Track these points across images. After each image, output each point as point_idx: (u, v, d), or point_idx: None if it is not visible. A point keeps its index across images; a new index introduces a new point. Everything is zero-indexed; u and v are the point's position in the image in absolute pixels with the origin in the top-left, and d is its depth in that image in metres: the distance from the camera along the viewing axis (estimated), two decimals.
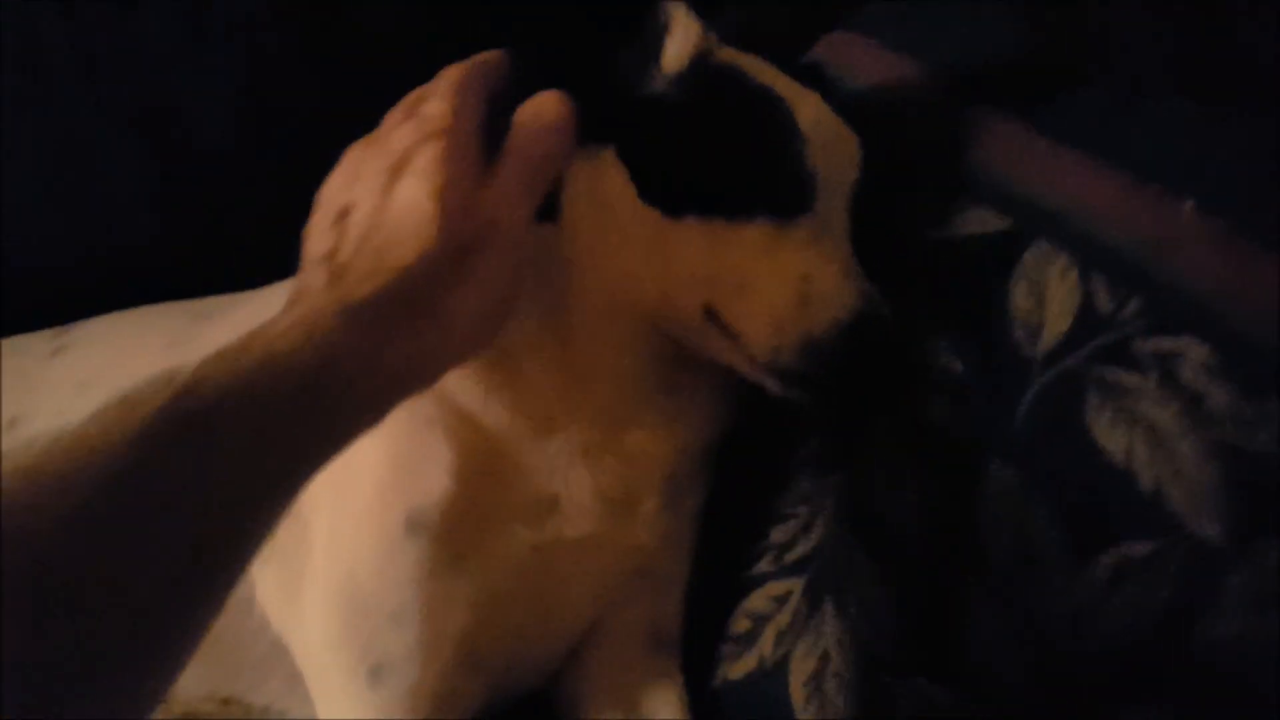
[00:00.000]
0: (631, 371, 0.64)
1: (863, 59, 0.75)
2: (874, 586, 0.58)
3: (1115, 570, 0.49)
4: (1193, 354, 0.49)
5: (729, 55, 0.64)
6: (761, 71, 0.64)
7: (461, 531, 0.59)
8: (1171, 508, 0.48)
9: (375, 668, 0.58)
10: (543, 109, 0.55)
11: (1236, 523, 0.46)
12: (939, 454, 0.57)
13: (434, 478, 0.59)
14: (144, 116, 0.86)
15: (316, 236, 0.53)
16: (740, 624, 0.65)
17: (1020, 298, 0.56)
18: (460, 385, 0.61)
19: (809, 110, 0.63)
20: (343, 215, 0.52)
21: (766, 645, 0.63)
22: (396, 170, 0.51)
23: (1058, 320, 0.54)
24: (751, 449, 0.70)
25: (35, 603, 0.32)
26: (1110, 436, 0.50)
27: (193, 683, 0.66)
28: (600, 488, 0.62)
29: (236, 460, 0.39)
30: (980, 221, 0.60)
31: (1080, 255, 0.54)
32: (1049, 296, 0.54)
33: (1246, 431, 0.46)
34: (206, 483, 0.38)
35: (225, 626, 0.60)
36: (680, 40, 0.62)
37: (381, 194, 0.51)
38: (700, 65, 0.63)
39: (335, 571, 0.60)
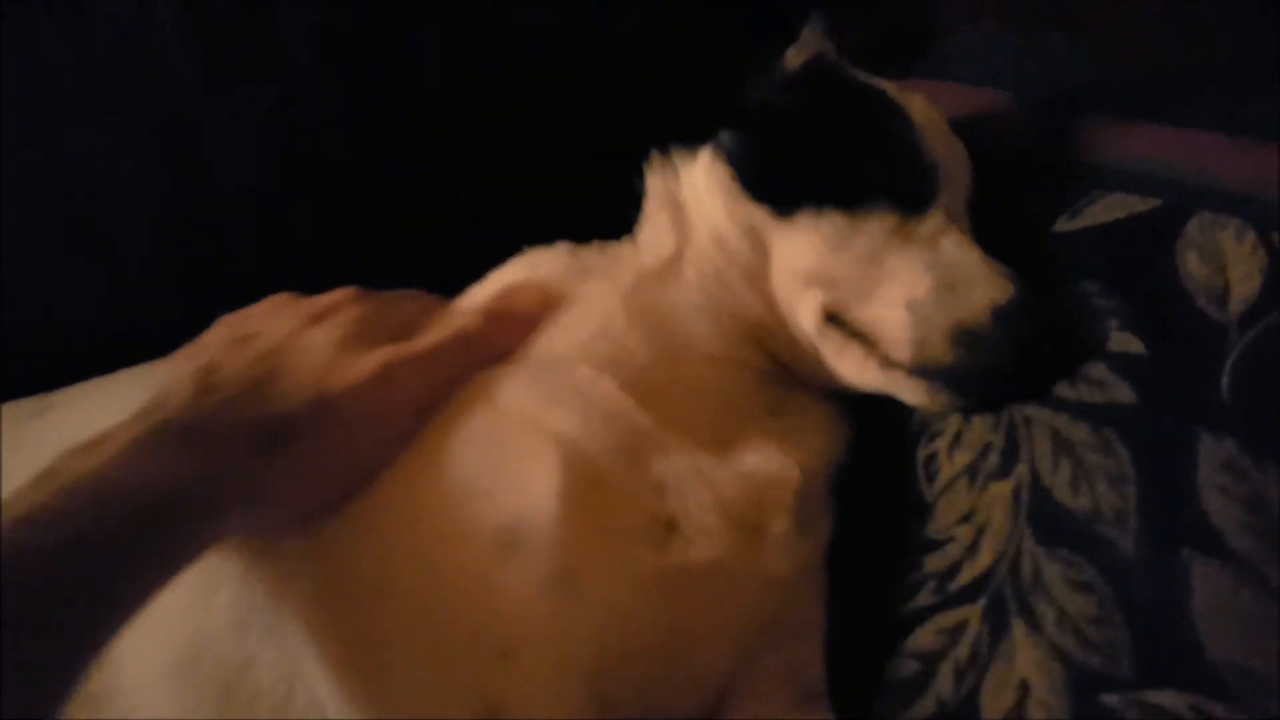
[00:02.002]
0: (732, 391, 0.60)
1: (946, 98, 0.75)
2: (1075, 594, 0.51)
3: None
4: None
5: (841, 64, 0.64)
6: (869, 76, 0.64)
7: (570, 551, 0.51)
8: None
9: (490, 710, 0.48)
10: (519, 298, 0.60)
11: None
12: (1133, 437, 0.52)
13: (529, 490, 0.52)
14: (162, 147, 0.80)
15: (203, 350, 0.55)
16: (905, 668, 0.56)
17: (1193, 266, 0.53)
18: (522, 397, 0.56)
19: (920, 106, 0.62)
20: (243, 341, 0.55)
21: (945, 685, 0.54)
22: (315, 320, 0.56)
23: (1244, 281, 0.51)
24: (872, 480, 0.64)
25: None
26: None
27: None
28: (724, 508, 0.55)
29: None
30: (1121, 206, 0.58)
31: (1255, 218, 0.52)
32: (1228, 260, 0.52)
33: None
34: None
35: (258, 713, 0.53)
36: (802, 46, 0.62)
37: (291, 335, 0.54)
38: (814, 66, 0.62)
39: (425, 609, 0.51)
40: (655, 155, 0.65)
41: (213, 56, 0.78)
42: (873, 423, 0.65)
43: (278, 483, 0.50)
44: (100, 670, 0.52)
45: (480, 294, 0.63)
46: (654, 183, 0.65)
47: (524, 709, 0.48)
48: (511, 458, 0.54)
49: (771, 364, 0.62)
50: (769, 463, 0.58)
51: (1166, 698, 0.47)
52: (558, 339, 0.59)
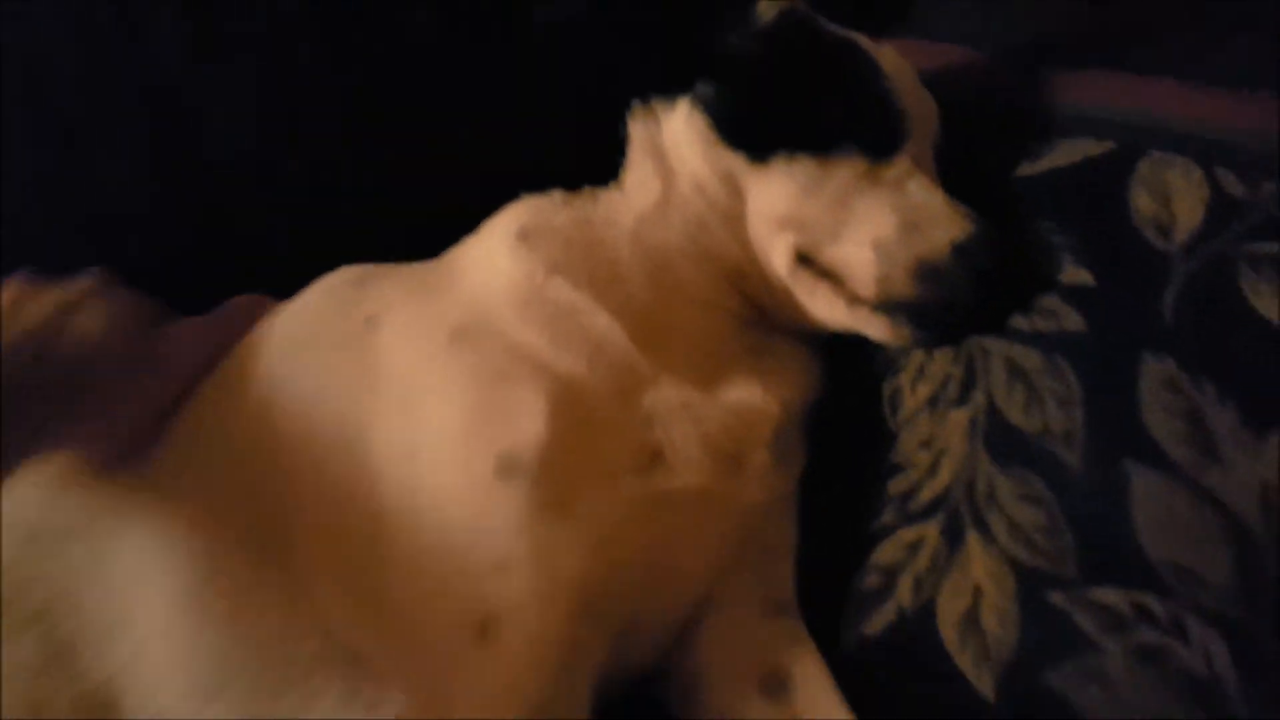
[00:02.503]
0: (712, 331, 0.63)
1: (917, 55, 0.78)
2: (1026, 507, 0.55)
3: None
4: None
5: (813, 15, 0.66)
6: (840, 28, 0.66)
7: (561, 476, 0.54)
8: None
9: (483, 624, 0.51)
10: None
11: None
12: (1082, 362, 0.55)
13: (524, 422, 0.55)
14: (153, 123, 0.82)
15: None
16: (869, 580, 0.60)
17: (1143, 202, 0.56)
18: (528, 337, 0.58)
19: (890, 57, 0.65)
20: None
21: (905, 594, 0.58)
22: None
23: (1189, 214, 0.54)
24: (843, 414, 0.67)
25: None
26: (1273, 305, 0.50)
27: (230, 710, 0.55)
28: (707, 440, 0.59)
29: None
30: (1079, 150, 0.61)
31: (1201, 155, 0.56)
32: (1175, 194, 0.55)
33: None
34: None
35: (263, 632, 0.54)
36: None
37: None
38: (787, 18, 0.65)
39: (422, 529, 0.54)
40: (638, 105, 0.68)
41: (201, 23, 0.80)
42: (844, 362, 0.68)
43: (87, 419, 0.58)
44: (114, 600, 0.55)
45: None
46: (637, 131, 0.67)
47: (516, 619, 0.51)
48: (514, 393, 0.56)
49: (750, 308, 0.65)
50: (750, 399, 0.61)
51: (1108, 594, 0.51)
52: (569, 279, 0.61)
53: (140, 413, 0.61)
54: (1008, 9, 0.75)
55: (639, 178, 0.65)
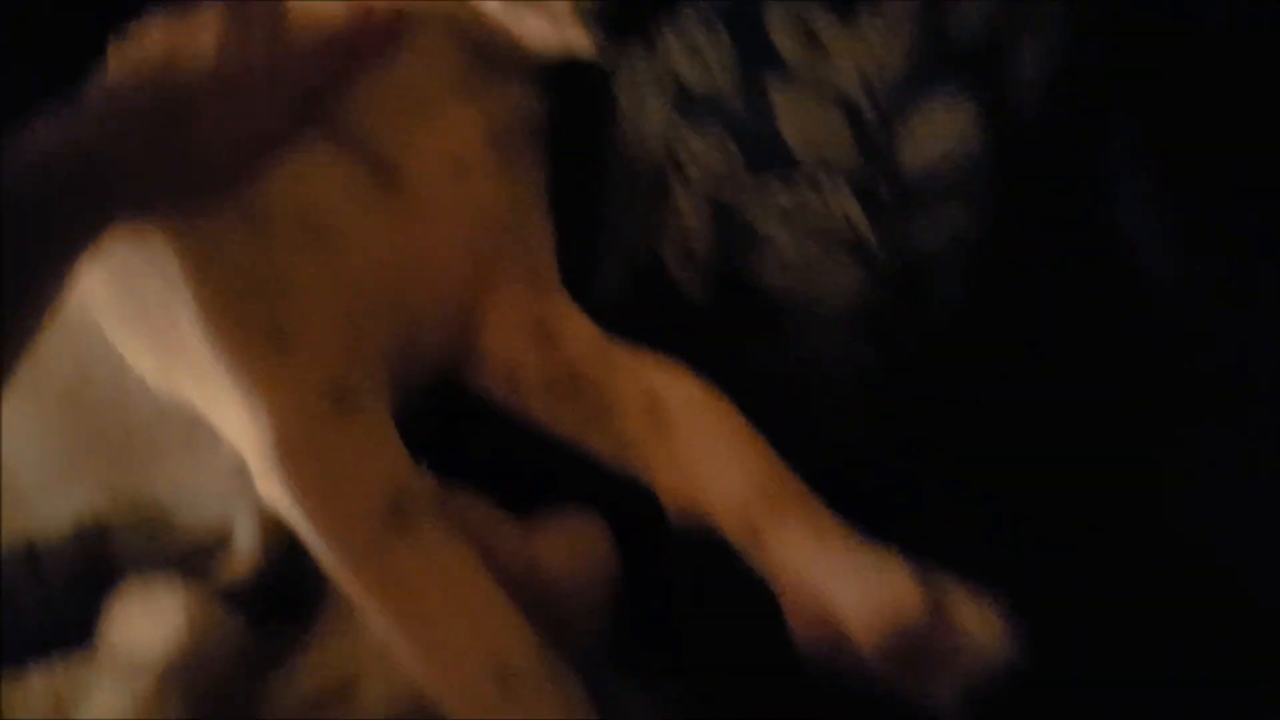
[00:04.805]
0: (431, 76, 0.68)
1: None
2: (707, 144, 0.66)
3: (874, 13, 0.60)
4: None
5: None
6: None
7: (305, 201, 0.60)
8: None
9: (275, 332, 0.58)
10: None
11: None
12: (731, 20, 0.66)
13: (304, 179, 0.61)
14: None
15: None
16: (606, 239, 0.72)
17: None
18: None
19: None
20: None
21: (636, 244, 0.70)
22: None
23: None
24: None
25: None
26: None
27: (89, 487, 0.63)
28: (430, 155, 0.65)
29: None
30: None
31: None
32: None
33: None
34: None
35: (102, 415, 0.61)
36: None
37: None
38: None
39: (204, 276, 0.59)
40: None
41: None
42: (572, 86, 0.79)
43: (174, 160, 0.54)
44: None
45: None
46: None
47: (303, 323, 0.58)
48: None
49: (464, 44, 0.69)
50: (461, 115, 0.67)
51: (769, 180, 0.63)
52: None
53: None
54: None
55: None
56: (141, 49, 0.57)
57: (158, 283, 0.61)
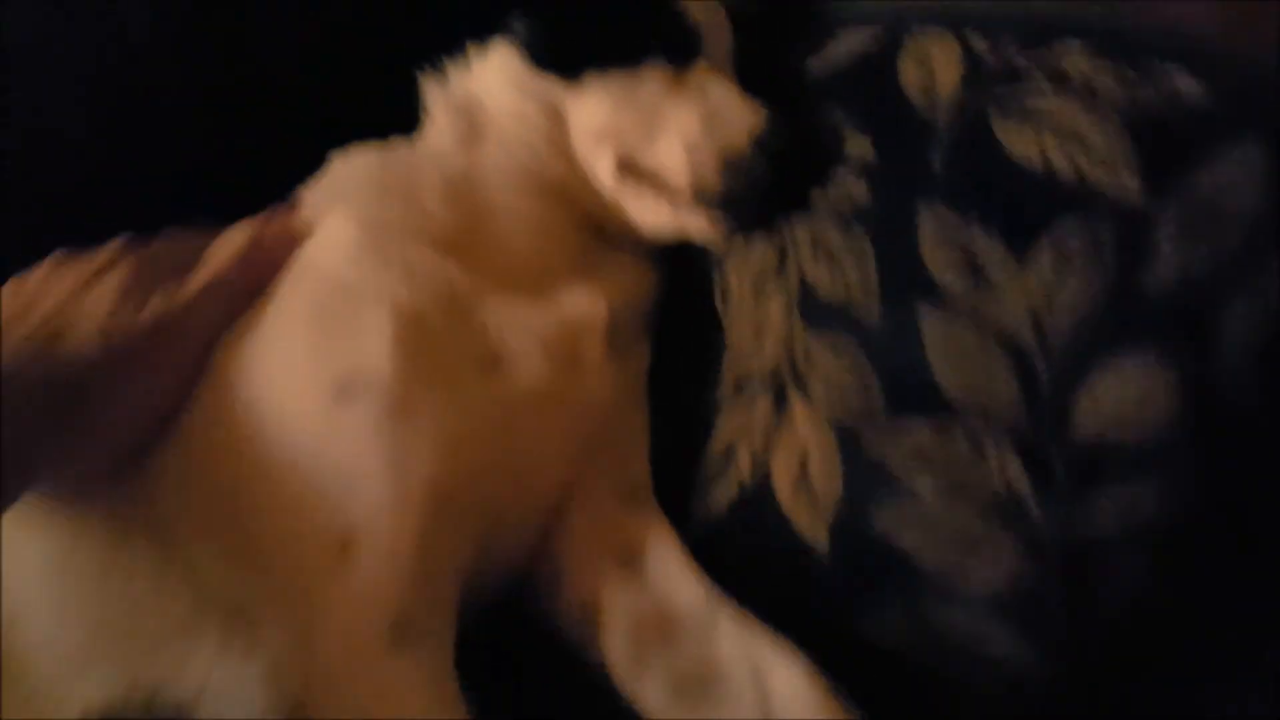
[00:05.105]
0: (541, 247, 0.66)
1: None
2: (838, 362, 0.58)
3: (1056, 252, 0.52)
4: (1071, 50, 0.54)
5: None
6: None
7: (403, 389, 0.56)
8: (1091, 182, 0.51)
9: (343, 542, 0.52)
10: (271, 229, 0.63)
11: (1151, 173, 0.50)
12: (871, 225, 0.59)
13: (363, 341, 0.56)
14: None
15: None
16: (712, 465, 0.63)
17: (910, 74, 0.60)
18: (353, 276, 0.60)
19: None
20: (25, 306, 0.55)
21: (743, 468, 0.61)
22: (93, 275, 0.57)
23: (947, 75, 0.58)
24: (679, 313, 0.70)
25: None
26: (1020, 140, 0.54)
27: (108, 673, 0.56)
28: (544, 342, 0.61)
29: None
30: (855, 38, 0.65)
31: (950, 20, 0.60)
32: (935, 62, 0.59)
33: (1136, 90, 0.51)
34: None
35: (135, 592, 0.56)
36: None
37: (71, 293, 0.55)
38: None
39: (274, 459, 0.54)
40: (427, 67, 0.70)
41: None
42: (678, 265, 0.71)
43: (79, 437, 0.53)
44: None
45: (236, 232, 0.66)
46: (431, 87, 0.70)
47: (371, 532, 0.52)
48: (344, 319, 0.58)
49: (580, 224, 0.68)
50: (580, 300, 0.64)
51: (912, 424, 0.54)
52: (382, 218, 0.63)
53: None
54: None
55: (441, 124, 0.69)
56: (23, 309, 0.54)
57: (225, 438, 0.56)
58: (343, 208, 0.64)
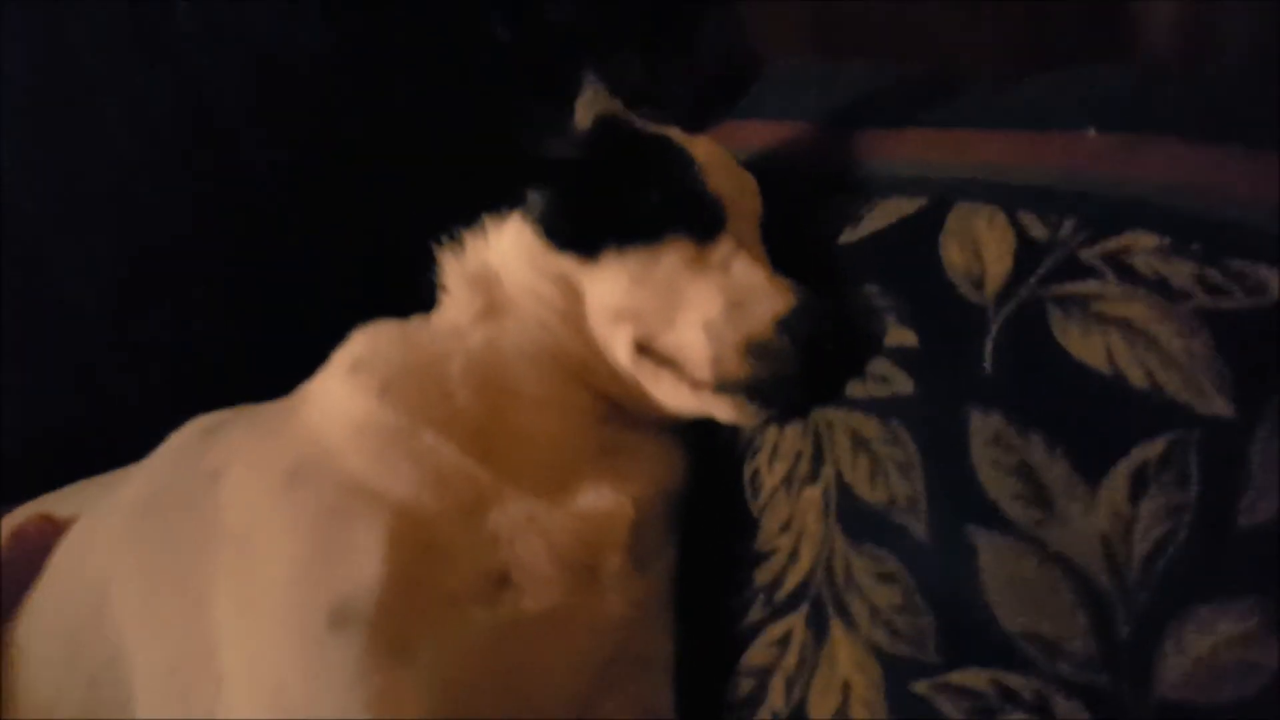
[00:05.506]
0: (559, 434, 0.62)
1: (750, 136, 0.79)
2: (882, 587, 0.52)
3: (1134, 479, 0.45)
4: (1142, 244, 0.48)
5: (628, 116, 0.67)
6: (657, 126, 0.67)
7: (399, 618, 0.52)
8: (1171, 395, 0.45)
9: None
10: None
11: (1241, 389, 0.44)
12: (915, 425, 0.53)
13: (357, 564, 0.53)
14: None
15: None
16: (743, 686, 0.56)
17: (954, 255, 0.55)
18: (363, 467, 0.56)
19: (703, 146, 0.66)
20: None
21: (777, 698, 0.54)
22: None
23: (997, 262, 0.53)
24: (707, 504, 0.64)
25: None
26: (1085, 346, 0.48)
27: None
28: (556, 553, 0.56)
29: None
30: (894, 210, 0.60)
31: (1003, 201, 0.54)
32: (982, 244, 0.54)
33: (1220, 296, 0.45)
34: None
35: None
36: (589, 103, 0.66)
37: None
38: (602, 121, 0.65)
39: (260, 692, 0.51)
40: (443, 239, 0.67)
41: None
42: (705, 449, 0.66)
43: None
44: None
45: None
46: (448, 260, 0.66)
47: None
48: (346, 534, 0.54)
49: (600, 403, 0.64)
50: (601, 501, 0.59)
51: (969, 676, 0.48)
52: (397, 402, 0.59)
53: None
54: (831, 87, 0.75)
55: (459, 299, 0.65)
56: None
57: (204, 665, 0.54)
58: (353, 381, 0.60)
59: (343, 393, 0.61)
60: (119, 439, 0.70)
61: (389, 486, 0.55)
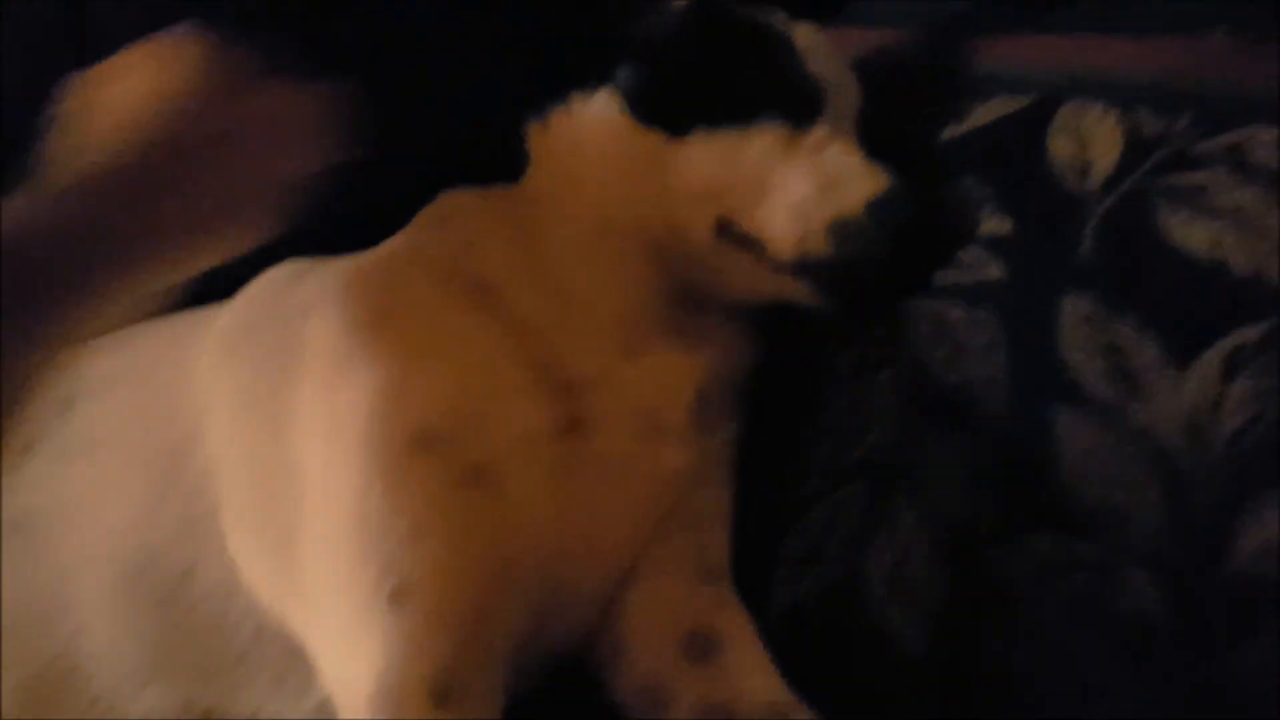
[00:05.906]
0: (633, 304, 0.62)
1: (857, 40, 0.78)
2: (951, 459, 0.52)
3: (1227, 362, 0.46)
4: (1260, 138, 0.48)
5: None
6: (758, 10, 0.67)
7: (476, 445, 0.54)
8: (1276, 284, 0.45)
9: (396, 591, 0.50)
10: None
11: None
12: (1004, 308, 0.53)
13: (439, 393, 0.55)
14: None
15: None
16: (800, 543, 0.57)
17: (1060, 147, 0.55)
18: (445, 312, 0.58)
19: (805, 33, 0.65)
20: None
21: (834, 556, 0.55)
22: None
23: (1106, 154, 0.53)
24: (777, 383, 0.65)
25: None
26: (1190, 235, 0.48)
27: (166, 692, 0.59)
28: (626, 405, 0.57)
29: None
30: (1000, 107, 0.60)
31: (1118, 98, 0.55)
32: (1091, 138, 0.54)
33: None
34: None
35: (198, 619, 0.57)
36: None
37: None
38: (701, 2, 0.65)
39: (341, 504, 0.53)
40: (532, 111, 0.68)
41: None
42: (776, 332, 0.67)
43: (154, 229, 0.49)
44: (55, 586, 0.59)
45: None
46: (535, 133, 0.66)
47: (425, 588, 0.51)
48: (430, 364, 0.56)
49: (676, 283, 0.64)
50: (668, 367, 0.60)
51: (1038, 542, 0.48)
52: (484, 256, 0.61)
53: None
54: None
55: (543, 171, 0.65)
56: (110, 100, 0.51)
57: (286, 484, 0.56)
58: (441, 233, 0.62)
59: (430, 242, 0.62)
60: None
61: (471, 332, 0.57)
